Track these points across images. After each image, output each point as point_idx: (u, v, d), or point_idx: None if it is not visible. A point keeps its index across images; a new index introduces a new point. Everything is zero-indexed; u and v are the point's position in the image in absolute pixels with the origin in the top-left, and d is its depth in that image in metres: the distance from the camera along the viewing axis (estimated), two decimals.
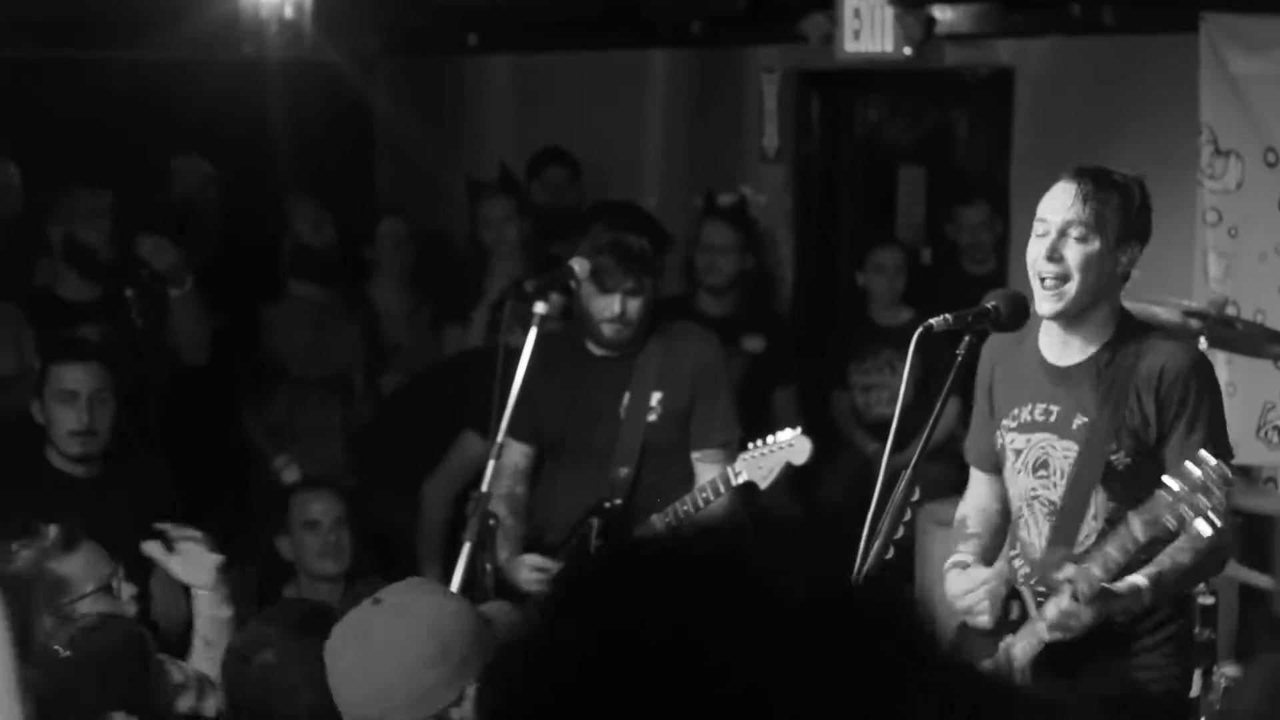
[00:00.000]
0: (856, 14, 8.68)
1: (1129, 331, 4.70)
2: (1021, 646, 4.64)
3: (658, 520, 5.64)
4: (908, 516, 4.21)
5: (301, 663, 3.75)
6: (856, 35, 8.70)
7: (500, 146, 9.80)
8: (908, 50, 8.66)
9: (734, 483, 5.59)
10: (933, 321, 4.35)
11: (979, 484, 5.02)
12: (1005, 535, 4.92)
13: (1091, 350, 4.67)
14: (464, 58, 10.09)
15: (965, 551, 4.91)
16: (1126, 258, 4.61)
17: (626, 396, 5.87)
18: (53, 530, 4.59)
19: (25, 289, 7.61)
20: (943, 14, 8.65)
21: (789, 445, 5.58)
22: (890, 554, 4.16)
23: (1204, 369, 4.69)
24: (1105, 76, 8.32)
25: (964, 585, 4.79)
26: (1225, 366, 6.92)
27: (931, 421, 4.32)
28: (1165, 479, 4.40)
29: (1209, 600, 5.86)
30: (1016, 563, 4.81)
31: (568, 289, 5.93)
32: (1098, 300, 4.62)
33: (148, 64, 8.87)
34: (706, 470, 5.82)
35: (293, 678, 3.80)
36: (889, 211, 9.60)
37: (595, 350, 5.92)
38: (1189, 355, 4.71)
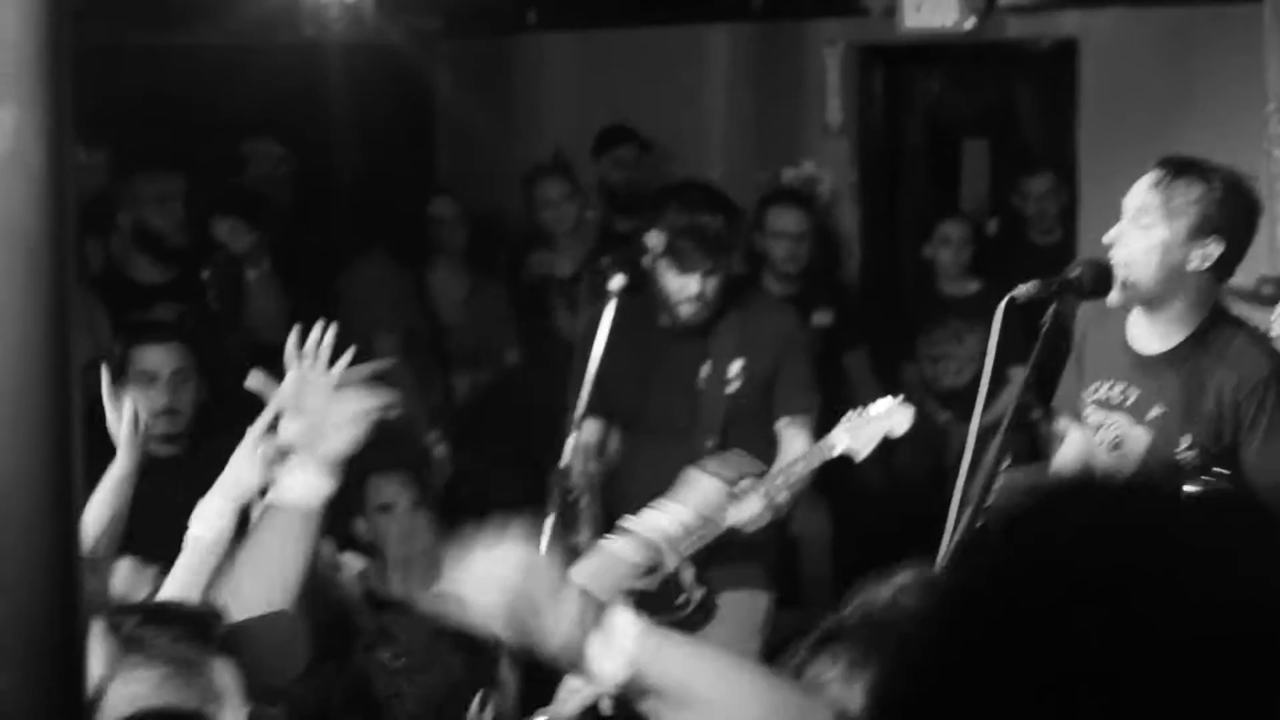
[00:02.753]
0: None
1: (1215, 328, 4.64)
2: None
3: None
4: (998, 483, 4.21)
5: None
6: (919, 8, 8.68)
7: (562, 125, 9.78)
8: (970, 23, 8.64)
9: (831, 455, 5.51)
10: (1017, 292, 4.33)
11: (1077, 442, 5.00)
12: None
13: (1173, 342, 4.64)
14: (524, 36, 10.10)
15: None
16: (1201, 253, 4.51)
17: (705, 367, 5.86)
18: None
19: (97, 273, 7.62)
20: None
21: (888, 415, 5.50)
22: (981, 521, 4.16)
23: None
24: (1170, 47, 8.29)
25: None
26: None
27: (1020, 388, 4.32)
28: None
29: None
30: None
31: (639, 264, 5.90)
32: (1171, 291, 4.56)
33: (211, 49, 8.89)
34: (792, 436, 5.80)
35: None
36: (953, 184, 9.59)
37: (670, 323, 5.93)
38: (1271, 363, 4.66)
